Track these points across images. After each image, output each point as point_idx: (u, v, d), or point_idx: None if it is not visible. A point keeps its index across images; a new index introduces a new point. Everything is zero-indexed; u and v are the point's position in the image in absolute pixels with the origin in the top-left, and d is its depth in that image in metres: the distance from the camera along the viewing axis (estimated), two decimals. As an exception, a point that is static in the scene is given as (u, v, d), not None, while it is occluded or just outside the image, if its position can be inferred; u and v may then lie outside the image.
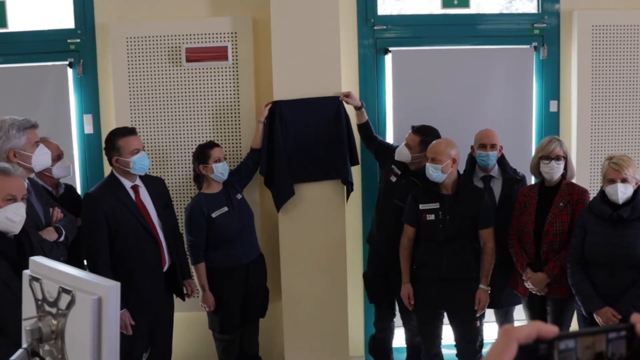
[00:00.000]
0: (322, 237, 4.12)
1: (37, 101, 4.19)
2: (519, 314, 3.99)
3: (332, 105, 3.97)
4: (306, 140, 3.99)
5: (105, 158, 3.60)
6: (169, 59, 4.11)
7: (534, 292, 3.57)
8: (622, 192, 3.15)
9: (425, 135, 3.77)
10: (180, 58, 4.10)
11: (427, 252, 3.59)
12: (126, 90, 4.12)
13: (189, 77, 4.14)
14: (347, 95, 3.95)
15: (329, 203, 4.11)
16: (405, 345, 4.20)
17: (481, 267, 3.55)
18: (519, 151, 4.23)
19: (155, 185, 3.62)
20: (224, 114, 4.18)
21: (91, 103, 4.26)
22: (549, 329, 0.63)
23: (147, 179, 3.56)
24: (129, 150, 3.34)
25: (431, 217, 3.54)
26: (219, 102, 4.18)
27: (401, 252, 3.68)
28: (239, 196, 3.88)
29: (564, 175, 3.57)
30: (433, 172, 3.50)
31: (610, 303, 3.23)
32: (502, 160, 3.91)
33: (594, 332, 0.62)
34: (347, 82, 4.20)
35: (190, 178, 4.10)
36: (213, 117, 4.19)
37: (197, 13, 4.15)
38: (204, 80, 4.15)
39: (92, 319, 1.32)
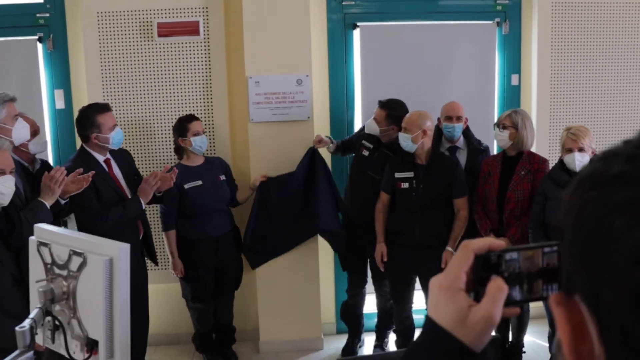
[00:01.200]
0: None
1: (6, 77, 4.16)
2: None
3: (307, 158, 4.09)
4: (292, 205, 4.11)
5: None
6: (140, 33, 4.13)
7: None
8: (578, 161, 3.35)
9: (391, 109, 3.91)
10: (152, 33, 4.12)
11: (401, 220, 3.75)
12: (98, 66, 4.13)
13: (160, 51, 4.17)
14: (319, 140, 4.05)
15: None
16: (376, 311, 4.38)
17: (452, 231, 3.72)
18: (483, 123, 4.42)
19: (124, 157, 3.69)
20: (196, 89, 4.24)
21: (62, 78, 4.26)
22: (499, 243, 0.75)
23: (114, 152, 3.62)
24: (109, 127, 3.41)
25: (405, 185, 3.70)
26: (191, 77, 4.23)
27: (376, 216, 3.84)
28: (222, 177, 3.97)
29: (519, 146, 3.74)
30: (403, 142, 3.66)
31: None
32: (467, 132, 4.08)
33: (533, 247, 0.75)
34: (316, 57, 4.29)
35: (163, 151, 4.18)
36: (185, 92, 4.24)
37: (167, -13, 4.17)
38: (175, 55, 4.19)
39: (104, 279, 1.42)
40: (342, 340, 4.51)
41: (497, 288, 0.72)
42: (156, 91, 4.21)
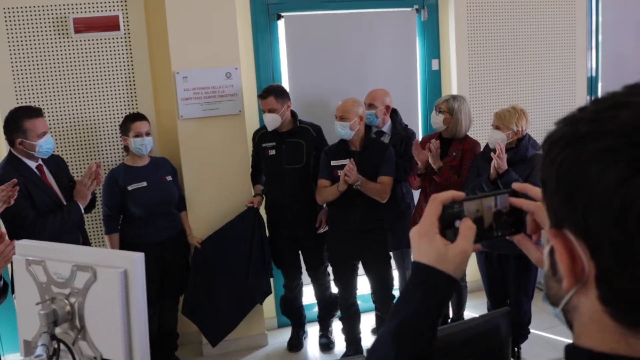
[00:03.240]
0: (229, 207, 4.16)
1: None
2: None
3: (249, 219, 4.04)
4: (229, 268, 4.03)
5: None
6: (55, 30, 3.86)
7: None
8: (493, 138, 3.53)
9: (274, 91, 3.89)
10: (67, 29, 3.87)
11: (341, 207, 3.75)
12: (8, 66, 3.82)
13: (78, 49, 3.92)
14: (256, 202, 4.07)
15: (235, 176, 4.17)
16: (313, 302, 4.39)
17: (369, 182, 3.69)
18: (406, 107, 4.53)
19: (57, 163, 3.46)
20: (119, 87, 4.03)
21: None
22: (460, 194, 0.93)
23: (46, 158, 3.39)
24: (37, 133, 3.17)
25: (342, 172, 3.70)
26: (113, 74, 4.02)
27: (322, 195, 3.78)
28: (168, 178, 3.82)
29: (453, 132, 3.85)
30: (342, 130, 3.67)
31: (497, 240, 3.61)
32: (393, 117, 4.15)
33: (488, 195, 0.95)
34: (242, 49, 4.21)
35: (86, 153, 3.97)
36: (107, 91, 4.02)
37: (81, -20, 3.92)
38: (95, 52, 3.96)
39: (120, 293, 1.32)
40: (285, 334, 4.49)
41: (468, 227, 0.91)
42: (75, 91, 3.96)
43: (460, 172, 3.78)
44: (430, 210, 0.93)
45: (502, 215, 0.96)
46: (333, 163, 3.76)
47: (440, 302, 0.90)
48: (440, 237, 0.91)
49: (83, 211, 3.30)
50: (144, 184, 3.69)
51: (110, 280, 1.33)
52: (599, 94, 5.17)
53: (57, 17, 3.85)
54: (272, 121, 3.88)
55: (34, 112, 3.21)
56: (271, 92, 3.86)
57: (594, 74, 5.13)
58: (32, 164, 3.23)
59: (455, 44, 4.62)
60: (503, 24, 4.71)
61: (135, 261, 1.34)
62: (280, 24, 4.37)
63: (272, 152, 3.95)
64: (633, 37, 5.27)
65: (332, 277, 4.11)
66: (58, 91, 3.92)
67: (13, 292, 2.47)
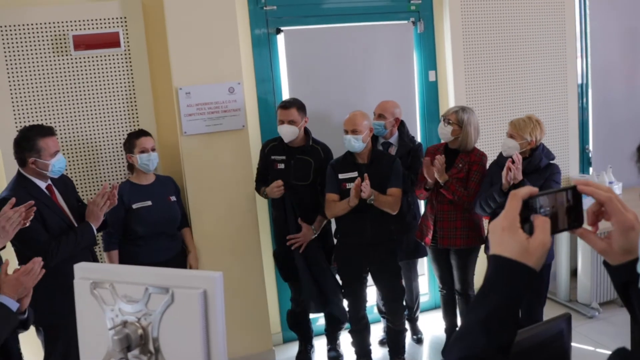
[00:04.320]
0: (234, 223, 4.13)
1: None
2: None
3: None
4: None
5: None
6: (54, 48, 3.79)
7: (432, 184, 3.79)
8: (507, 147, 3.58)
9: (295, 103, 3.89)
10: (67, 46, 3.80)
11: (350, 220, 3.74)
12: (6, 85, 3.73)
13: (78, 66, 3.86)
14: None
15: (239, 192, 4.13)
16: (318, 315, 4.36)
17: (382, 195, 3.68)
18: (405, 118, 4.50)
19: (66, 183, 3.39)
20: (120, 104, 3.97)
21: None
22: (535, 190, 1.01)
23: (54, 178, 3.31)
24: (50, 152, 3.10)
25: (350, 185, 3.68)
26: (114, 92, 3.95)
27: (332, 209, 3.75)
28: (173, 198, 3.76)
29: (462, 145, 3.86)
30: (355, 143, 3.66)
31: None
32: (400, 129, 4.18)
33: (560, 190, 1.03)
34: (243, 64, 4.18)
35: (90, 173, 3.90)
36: (108, 108, 3.95)
37: (80, -3, 3.87)
38: (95, 69, 3.89)
39: (200, 314, 1.28)
40: (291, 349, 4.46)
41: (544, 221, 0.98)
42: (76, 109, 3.89)
43: (467, 184, 3.80)
44: (512, 205, 0.99)
45: (569, 209, 1.04)
46: (341, 176, 3.75)
47: (523, 294, 0.95)
48: (522, 231, 0.97)
49: (96, 232, 3.23)
50: (149, 202, 3.63)
51: (189, 302, 1.29)
52: (590, 100, 5.28)
53: (56, 35, 3.78)
54: (291, 133, 3.85)
55: (47, 131, 3.14)
56: (294, 104, 3.86)
57: (584, 80, 5.23)
58: (42, 184, 3.15)
59: (452, 55, 4.67)
60: (497, 35, 4.78)
61: (215, 281, 1.30)
62: (280, 38, 4.36)
63: (281, 165, 3.92)
64: (619, 44, 5.40)
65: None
66: (58, 109, 3.84)
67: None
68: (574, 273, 4.94)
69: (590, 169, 5.33)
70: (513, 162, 3.42)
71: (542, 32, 4.94)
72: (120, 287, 1.39)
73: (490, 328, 0.92)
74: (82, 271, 1.47)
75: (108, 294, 1.40)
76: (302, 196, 3.91)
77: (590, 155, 5.33)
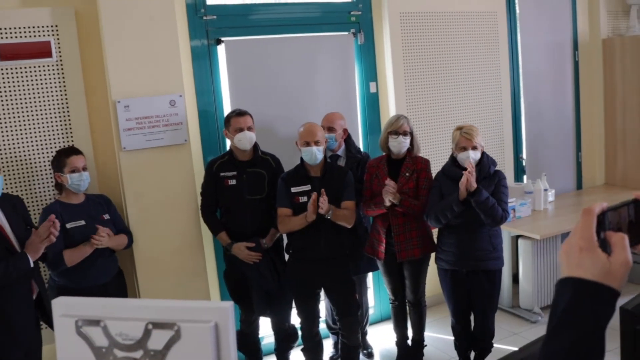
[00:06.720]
0: (177, 243, 3.94)
1: None
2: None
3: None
4: None
5: None
6: (-22, 58, 3.49)
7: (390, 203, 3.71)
8: (472, 158, 3.58)
9: (247, 113, 3.80)
10: (-7, 56, 3.51)
11: (304, 235, 3.64)
12: None
13: (6, 77, 3.56)
14: None
15: (182, 211, 3.96)
16: (265, 334, 4.24)
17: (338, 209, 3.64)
18: (349, 130, 4.50)
19: (14, 204, 3.13)
20: (52, 117, 3.70)
21: None
22: (604, 205, 0.94)
23: (1, 199, 3.05)
24: None
25: (304, 199, 3.60)
26: (45, 105, 3.68)
27: (286, 225, 3.65)
28: (106, 216, 3.53)
29: (410, 150, 3.88)
30: (319, 155, 3.63)
31: (467, 257, 3.67)
32: (348, 141, 4.14)
33: (624, 205, 0.96)
34: (183, 74, 4.01)
35: (15, 192, 3.59)
36: (40, 122, 3.67)
37: (7, 3, 3.57)
38: (25, 80, 3.61)
39: (212, 349, 1.15)
40: (239, 371, 4.28)
41: (621, 238, 0.90)
42: (4, 124, 3.58)
43: (417, 193, 3.80)
44: (587, 223, 0.92)
45: (630, 225, 0.98)
46: (293, 190, 3.65)
47: (610, 318, 0.87)
48: (600, 250, 0.90)
49: (32, 264, 2.96)
50: (82, 222, 3.39)
51: (199, 337, 1.16)
52: (522, 108, 5.45)
53: (-20, 44, 3.48)
54: (250, 140, 3.72)
55: None
56: (247, 112, 3.76)
57: (516, 91, 5.40)
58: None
59: (392, 66, 4.68)
60: (436, 47, 4.85)
61: (226, 312, 1.17)
62: (221, 49, 4.22)
63: (233, 182, 3.76)
64: (544, 57, 5.61)
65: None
66: (-17, 125, 3.53)
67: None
68: (514, 279, 5.05)
69: (525, 177, 5.49)
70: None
71: (477, 44, 5.05)
72: (114, 324, 1.23)
73: (578, 357, 0.85)
74: (63, 307, 1.30)
75: (99, 333, 1.24)
76: (258, 210, 3.78)
77: (524, 164, 5.49)
